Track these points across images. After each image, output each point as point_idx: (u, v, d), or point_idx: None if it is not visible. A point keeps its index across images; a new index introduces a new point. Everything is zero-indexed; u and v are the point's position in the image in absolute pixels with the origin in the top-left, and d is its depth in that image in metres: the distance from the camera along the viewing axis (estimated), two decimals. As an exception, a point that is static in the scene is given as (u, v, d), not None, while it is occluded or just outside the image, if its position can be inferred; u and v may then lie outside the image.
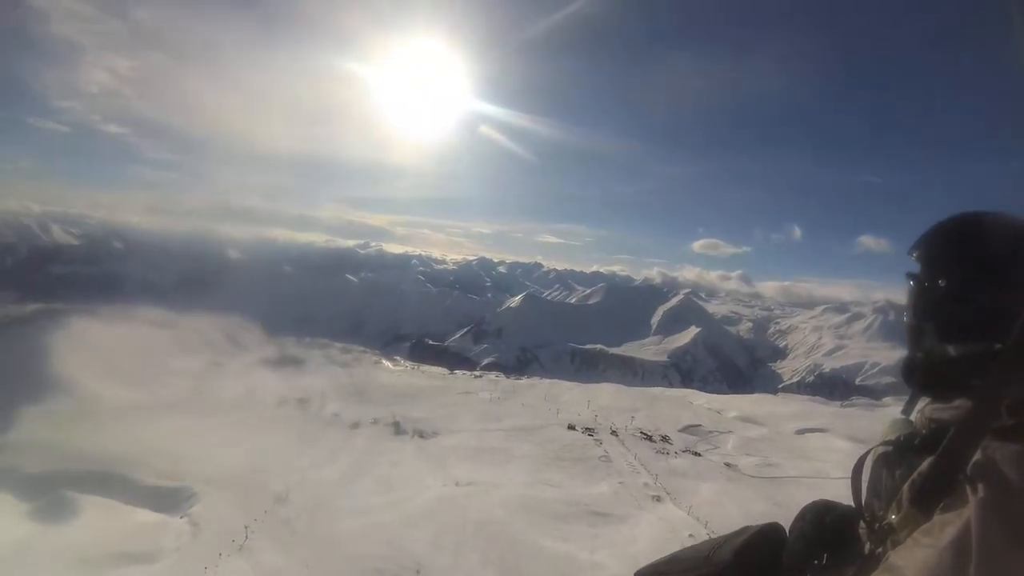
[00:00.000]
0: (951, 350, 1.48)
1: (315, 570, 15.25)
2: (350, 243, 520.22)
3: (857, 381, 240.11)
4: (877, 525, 1.45)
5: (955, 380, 1.44)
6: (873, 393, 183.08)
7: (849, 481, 1.65)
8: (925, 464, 1.34)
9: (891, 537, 1.36)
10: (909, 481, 1.37)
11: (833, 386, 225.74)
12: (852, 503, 1.68)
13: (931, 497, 1.26)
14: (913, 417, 1.70)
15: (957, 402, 1.43)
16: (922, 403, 1.64)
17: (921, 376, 1.58)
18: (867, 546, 1.49)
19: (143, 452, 27.09)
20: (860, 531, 1.60)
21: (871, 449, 1.65)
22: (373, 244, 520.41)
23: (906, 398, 1.80)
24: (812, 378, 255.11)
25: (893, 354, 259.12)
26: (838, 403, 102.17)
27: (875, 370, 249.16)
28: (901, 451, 1.51)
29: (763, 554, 1.83)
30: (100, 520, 17.30)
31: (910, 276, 1.65)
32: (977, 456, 1.22)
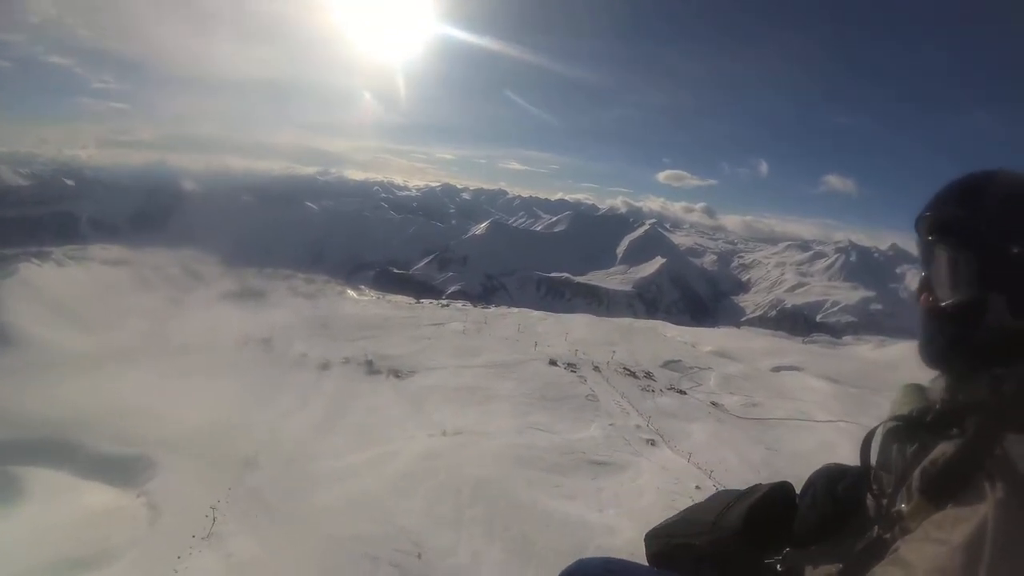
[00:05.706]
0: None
1: (297, 560, 13.12)
2: (310, 170, 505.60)
3: (818, 318, 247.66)
4: (885, 503, 1.43)
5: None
6: (833, 331, 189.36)
7: (860, 448, 1.57)
8: (939, 453, 1.28)
9: (900, 524, 1.32)
10: (920, 468, 1.32)
11: (794, 322, 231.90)
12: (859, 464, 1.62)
13: (945, 490, 1.21)
14: (926, 385, 1.57)
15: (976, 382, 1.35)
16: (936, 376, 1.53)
17: (988, 355, 1.35)
18: (875, 529, 1.45)
19: (96, 411, 24.66)
20: (868, 503, 1.60)
21: (881, 424, 1.55)
22: (333, 171, 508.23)
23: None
24: (774, 313, 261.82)
25: (853, 293, 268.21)
26: (799, 339, 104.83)
27: (835, 308, 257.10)
28: (912, 428, 1.43)
29: (772, 519, 1.82)
30: (47, 504, 14.94)
31: (943, 249, 1.42)
32: (996, 450, 1.17)
